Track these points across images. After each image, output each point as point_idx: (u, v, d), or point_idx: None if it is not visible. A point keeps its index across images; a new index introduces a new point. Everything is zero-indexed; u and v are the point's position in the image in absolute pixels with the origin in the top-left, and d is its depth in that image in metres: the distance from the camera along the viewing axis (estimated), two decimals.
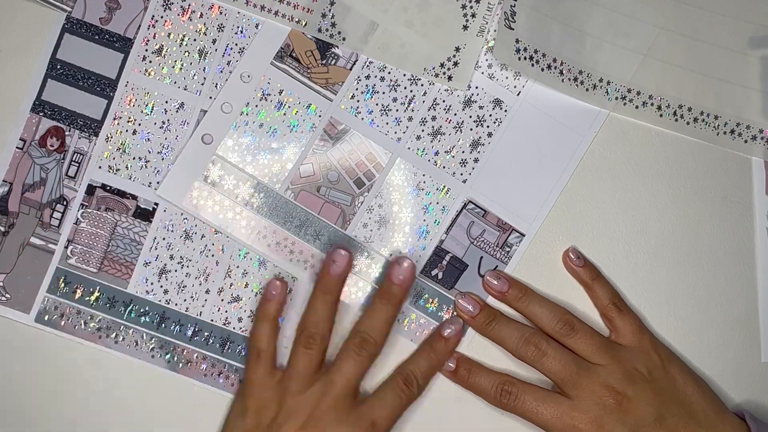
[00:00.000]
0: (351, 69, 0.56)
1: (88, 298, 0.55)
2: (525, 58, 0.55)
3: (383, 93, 0.57)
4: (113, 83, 0.56)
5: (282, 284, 0.53)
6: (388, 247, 0.56)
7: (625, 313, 0.55)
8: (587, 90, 0.56)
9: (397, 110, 0.57)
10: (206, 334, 0.55)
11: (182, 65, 0.56)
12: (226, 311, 0.56)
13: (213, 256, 0.56)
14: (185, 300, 0.56)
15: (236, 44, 0.56)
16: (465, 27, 0.56)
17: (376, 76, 0.57)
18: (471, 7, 0.56)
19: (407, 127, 0.57)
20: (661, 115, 0.56)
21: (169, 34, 0.56)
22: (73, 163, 0.55)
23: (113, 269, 0.55)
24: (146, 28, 0.56)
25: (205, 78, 0.56)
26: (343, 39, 0.55)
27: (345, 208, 0.56)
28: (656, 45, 0.55)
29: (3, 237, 0.55)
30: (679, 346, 0.57)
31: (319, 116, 0.56)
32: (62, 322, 0.55)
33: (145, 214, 0.56)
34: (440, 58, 0.56)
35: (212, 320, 0.56)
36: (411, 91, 0.57)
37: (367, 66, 0.56)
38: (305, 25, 0.56)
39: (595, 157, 0.57)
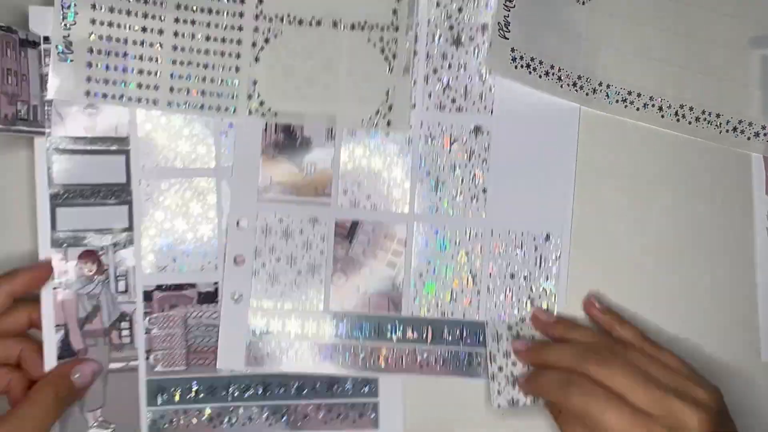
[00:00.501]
0: (331, 166, 0.55)
1: (189, 396, 0.55)
2: (522, 66, 0.55)
3: (372, 171, 0.55)
4: (125, 187, 0.52)
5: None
6: (449, 310, 0.57)
7: (660, 349, 0.53)
8: (587, 94, 0.56)
9: (390, 182, 0.56)
10: (311, 384, 0.56)
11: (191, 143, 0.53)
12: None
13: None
14: (278, 362, 0.56)
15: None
16: (390, 69, 0.54)
17: (356, 158, 0.55)
18: (390, 48, 0.54)
19: (409, 194, 0.56)
20: (662, 116, 0.58)
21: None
22: (119, 278, 0.53)
23: (200, 359, 0.55)
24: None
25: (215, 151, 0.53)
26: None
27: (391, 294, 0.57)
28: (655, 46, 0.55)
29: None
30: (679, 346, 0.57)
31: (326, 224, 0.55)
32: (174, 427, 0.55)
33: (210, 296, 0.55)
34: (374, 106, 0.55)
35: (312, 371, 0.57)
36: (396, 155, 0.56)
37: (347, 154, 0.55)
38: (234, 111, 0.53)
39: (595, 158, 0.57)
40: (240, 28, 0.52)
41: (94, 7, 0.50)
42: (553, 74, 0.55)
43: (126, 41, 0.50)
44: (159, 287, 0.54)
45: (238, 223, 0.54)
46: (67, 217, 0.51)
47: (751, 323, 0.57)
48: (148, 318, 0.54)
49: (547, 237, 0.57)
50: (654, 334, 0.55)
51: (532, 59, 0.54)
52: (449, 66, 0.55)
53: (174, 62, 0.51)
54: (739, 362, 0.57)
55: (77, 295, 0.52)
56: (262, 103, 0.53)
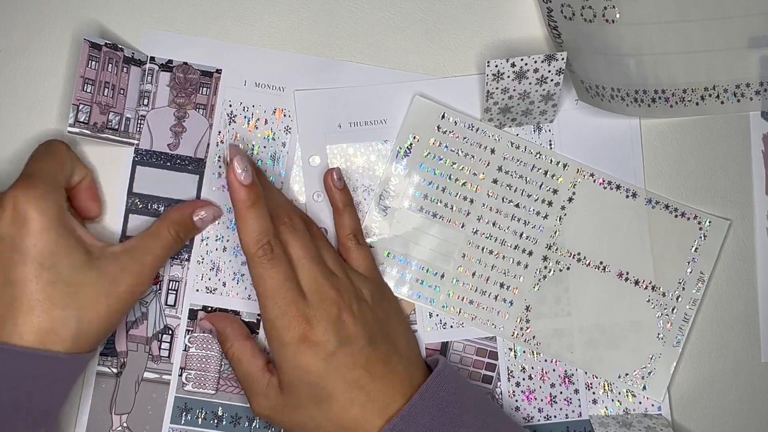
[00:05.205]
0: None
1: (212, 421, 0.55)
2: (594, 96, 0.55)
3: None
4: None
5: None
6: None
7: (363, 246, 0.55)
8: (649, 106, 0.55)
9: None
10: None
11: None
12: None
13: None
14: None
15: None
16: (659, 336, 0.56)
17: None
18: (667, 316, 0.56)
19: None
20: (722, 102, 0.55)
21: (239, 146, 0.56)
22: (170, 291, 0.56)
23: (230, 387, 0.55)
24: (215, 145, 0.55)
25: (282, 182, 0.56)
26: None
27: None
28: (692, 37, 0.52)
29: (117, 378, 0.55)
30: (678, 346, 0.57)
31: None
32: None
33: (251, 327, 0.56)
34: (636, 364, 0.57)
35: None
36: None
37: None
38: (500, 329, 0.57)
39: None
40: (530, 253, 0.56)
41: None
42: (616, 96, 0.54)
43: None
44: (205, 308, 0.56)
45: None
46: (138, 224, 0.55)
47: (751, 323, 0.57)
48: (189, 336, 0.56)
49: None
50: None
51: (597, 86, 0.54)
52: None
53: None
54: (739, 362, 0.57)
55: None
56: (526, 329, 0.56)
